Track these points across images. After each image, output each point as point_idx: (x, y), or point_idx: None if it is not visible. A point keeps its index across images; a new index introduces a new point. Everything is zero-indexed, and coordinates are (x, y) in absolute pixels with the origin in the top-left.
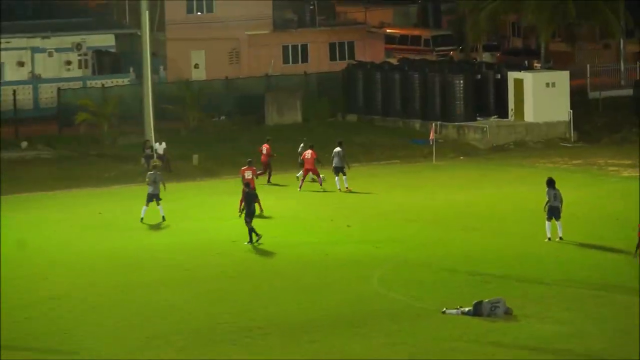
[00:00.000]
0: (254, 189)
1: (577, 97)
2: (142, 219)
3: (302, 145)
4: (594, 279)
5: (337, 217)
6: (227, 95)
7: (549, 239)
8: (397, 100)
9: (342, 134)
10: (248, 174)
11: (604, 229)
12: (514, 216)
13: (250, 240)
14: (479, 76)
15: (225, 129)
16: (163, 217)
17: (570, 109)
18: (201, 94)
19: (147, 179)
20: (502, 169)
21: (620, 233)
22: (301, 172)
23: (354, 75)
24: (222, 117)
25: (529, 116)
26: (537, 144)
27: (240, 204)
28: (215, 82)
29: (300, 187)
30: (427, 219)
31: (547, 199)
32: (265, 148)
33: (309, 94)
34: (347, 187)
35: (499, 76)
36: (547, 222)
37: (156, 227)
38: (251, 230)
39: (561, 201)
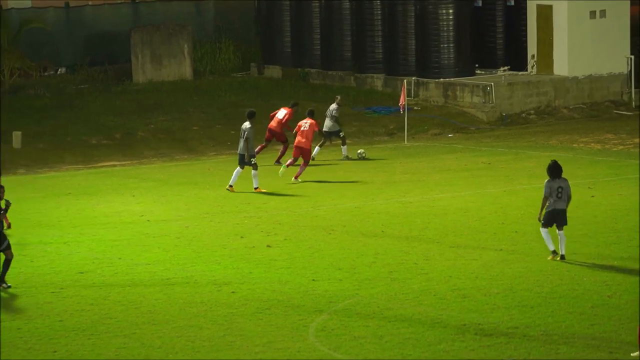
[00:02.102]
0: None
1: None
2: None
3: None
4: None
5: (250, 231)
6: (69, 34)
7: (555, 252)
8: (347, 44)
9: (257, 97)
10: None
11: None
12: (533, 230)
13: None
14: (479, 2)
15: (66, 89)
16: None
17: (632, 54)
18: (24, 31)
19: None
20: (516, 153)
21: None
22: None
23: (276, 4)
24: (61, 70)
25: (561, 67)
26: (575, 112)
27: None
28: (48, 11)
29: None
30: (394, 233)
31: (547, 195)
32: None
33: (204, 33)
34: (256, 188)
35: (511, 1)
36: (543, 229)
37: None
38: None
39: (569, 199)
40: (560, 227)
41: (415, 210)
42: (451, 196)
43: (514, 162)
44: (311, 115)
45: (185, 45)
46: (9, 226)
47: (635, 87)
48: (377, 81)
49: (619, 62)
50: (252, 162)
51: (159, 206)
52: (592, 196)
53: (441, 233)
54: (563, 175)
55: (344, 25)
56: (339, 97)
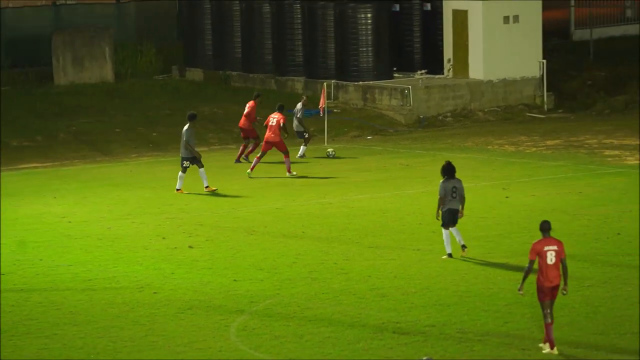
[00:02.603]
0: None
1: (555, 39)
2: None
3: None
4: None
5: (172, 232)
6: None
7: (450, 255)
8: (268, 48)
9: (178, 99)
10: None
11: (596, 250)
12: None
13: None
14: (397, 7)
15: None
16: None
17: (544, 58)
18: None
19: None
20: (433, 155)
21: (623, 258)
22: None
23: (198, 7)
24: None
25: (476, 71)
26: (490, 115)
27: None
28: None
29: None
30: (314, 234)
31: (442, 196)
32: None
33: (126, 36)
34: (207, 187)
35: (428, 7)
36: (444, 230)
37: None
38: None
39: (462, 199)
40: (454, 224)
41: (335, 211)
42: (370, 197)
43: (431, 164)
44: (280, 109)
45: (107, 48)
46: None
47: (547, 91)
48: (298, 84)
49: (532, 66)
50: (190, 165)
51: (81, 208)
52: (507, 197)
53: (360, 234)
54: (461, 176)
55: (264, 29)
56: (304, 97)
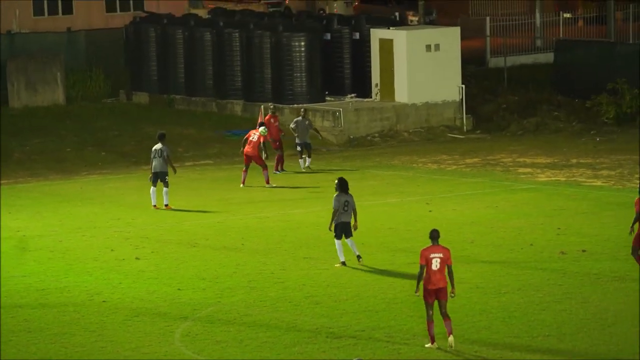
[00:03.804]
0: None
1: (473, 66)
2: None
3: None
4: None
5: (119, 244)
6: None
7: (344, 263)
8: (209, 73)
9: (125, 121)
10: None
11: (512, 260)
12: (377, 242)
13: None
14: (328, 36)
15: None
16: None
17: (463, 83)
18: None
19: None
20: (363, 172)
21: (536, 266)
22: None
23: (144, 35)
24: None
25: (401, 95)
26: (414, 135)
27: None
28: None
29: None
30: (252, 246)
31: (336, 209)
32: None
33: (76, 62)
34: (167, 205)
35: (357, 36)
36: (337, 240)
37: None
38: None
39: (354, 212)
40: (347, 237)
41: (272, 224)
42: (304, 212)
43: (360, 181)
44: (262, 126)
45: (58, 73)
46: None
47: (466, 114)
48: (237, 107)
49: (452, 90)
50: (166, 180)
51: (35, 222)
52: (430, 211)
53: (296, 245)
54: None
55: (205, 56)
56: (303, 110)
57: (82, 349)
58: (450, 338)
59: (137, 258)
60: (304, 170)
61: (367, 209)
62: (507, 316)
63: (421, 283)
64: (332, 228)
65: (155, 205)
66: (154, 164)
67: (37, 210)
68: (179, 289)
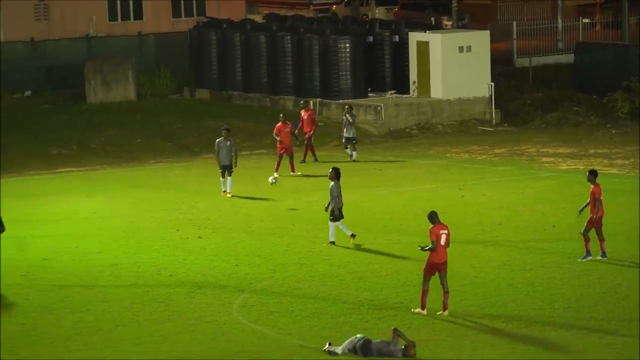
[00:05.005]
0: None
1: (501, 66)
2: None
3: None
4: (513, 307)
5: (184, 224)
6: (33, 64)
7: (333, 243)
8: (263, 71)
9: (189, 115)
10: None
11: (536, 239)
12: (415, 224)
13: None
14: (370, 38)
15: (32, 109)
16: None
17: (492, 81)
18: None
19: None
20: (401, 161)
21: (557, 245)
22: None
23: (205, 38)
24: (27, 93)
25: (436, 91)
26: (448, 128)
27: None
28: (16, 45)
29: (292, 170)
30: (302, 227)
31: (336, 195)
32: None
33: (145, 63)
34: (229, 192)
35: (396, 38)
36: (332, 223)
37: None
38: None
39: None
40: (340, 219)
41: (319, 208)
42: (346, 197)
43: (399, 169)
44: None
45: (130, 73)
46: None
47: (495, 108)
48: (288, 102)
49: (482, 88)
50: (231, 170)
51: (108, 205)
52: (462, 196)
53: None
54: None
55: (260, 56)
56: (347, 107)
57: (151, 317)
58: (446, 312)
59: (199, 237)
60: (352, 161)
61: (406, 194)
62: (532, 290)
63: (427, 256)
64: (328, 210)
65: (225, 192)
66: (220, 156)
67: (111, 194)
68: (236, 265)
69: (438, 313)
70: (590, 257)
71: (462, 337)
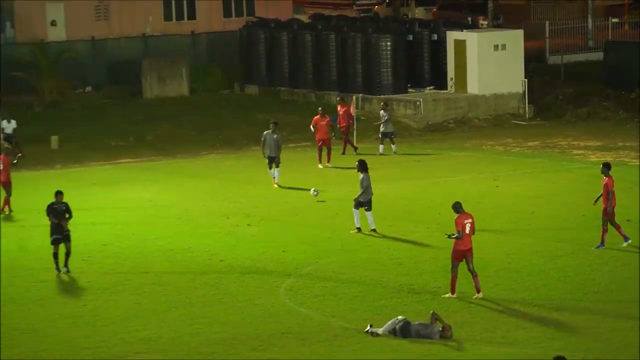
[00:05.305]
0: None
1: (534, 63)
2: None
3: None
4: (546, 295)
5: (234, 213)
6: (94, 61)
7: (359, 229)
8: (309, 68)
9: (239, 109)
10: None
11: (567, 227)
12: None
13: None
14: (410, 37)
15: (92, 104)
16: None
17: (525, 77)
18: (60, 59)
19: None
20: (439, 153)
21: (587, 233)
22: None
23: (254, 37)
24: (88, 88)
25: (473, 87)
26: (484, 122)
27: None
28: (78, 43)
29: (328, 161)
30: (345, 215)
31: (367, 185)
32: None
33: (198, 60)
34: (277, 183)
35: (435, 37)
36: (357, 210)
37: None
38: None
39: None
40: (370, 209)
41: None
42: (389, 187)
43: (438, 160)
44: (322, 113)
45: (184, 69)
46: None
47: (528, 103)
48: (333, 97)
49: (516, 84)
50: (278, 162)
51: (164, 194)
52: (497, 186)
53: (381, 216)
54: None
55: (306, 53)
56: (383, 103)
57: (203, 300)
58: (480, 294)
59: (248, 225)
60: (392, 154)
61: (445, 184)
62: (562, 276)
63: (452, 243)
64: (359, 199)
65: (276, 183)
66: (268, 148)
67: (165, 184)
68: (283, 251)
69: (474, 297)
70: (603, 247)
71: (495, 320)
